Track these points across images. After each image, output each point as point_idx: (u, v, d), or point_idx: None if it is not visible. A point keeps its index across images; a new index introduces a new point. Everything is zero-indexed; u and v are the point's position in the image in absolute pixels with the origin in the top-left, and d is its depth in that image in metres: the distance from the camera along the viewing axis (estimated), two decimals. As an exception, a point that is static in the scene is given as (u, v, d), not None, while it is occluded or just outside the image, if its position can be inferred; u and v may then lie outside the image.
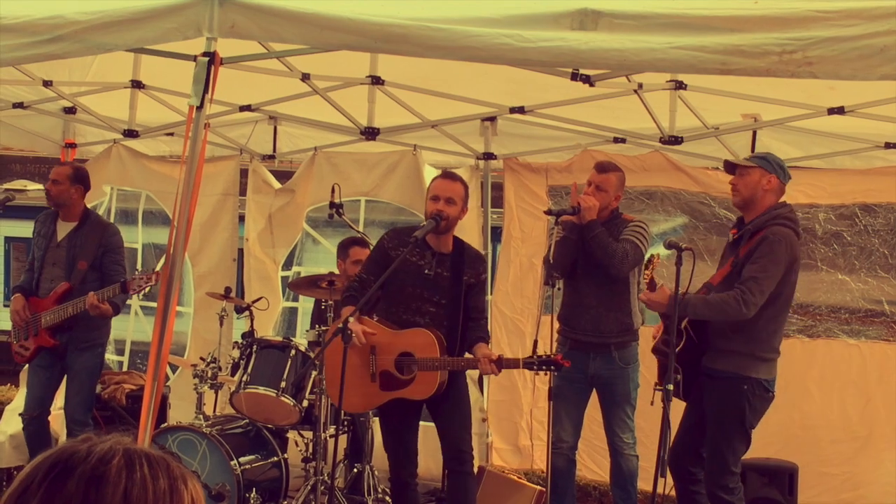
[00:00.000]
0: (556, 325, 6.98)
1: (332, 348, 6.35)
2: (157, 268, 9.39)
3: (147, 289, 7.31)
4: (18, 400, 8.70)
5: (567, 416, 7.01)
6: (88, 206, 7.94)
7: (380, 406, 6.43)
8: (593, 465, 8.27)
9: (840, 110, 7.03)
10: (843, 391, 8.16)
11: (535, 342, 7.11)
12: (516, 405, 8.78)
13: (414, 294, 6.38)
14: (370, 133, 8.33)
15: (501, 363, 6.12)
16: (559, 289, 7.03)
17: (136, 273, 7.28)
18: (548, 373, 6.26)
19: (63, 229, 7.62)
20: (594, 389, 7.02)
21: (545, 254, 6.72)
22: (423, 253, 6.37)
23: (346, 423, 7.55)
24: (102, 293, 7.18)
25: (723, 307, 5.96)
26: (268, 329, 8.96)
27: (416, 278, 6.36)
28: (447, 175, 6.61)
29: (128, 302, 9.83)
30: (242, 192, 9.58)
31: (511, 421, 8.82)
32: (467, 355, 6.36)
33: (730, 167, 6.27)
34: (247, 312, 8.01)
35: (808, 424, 8.17)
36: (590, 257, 6.81)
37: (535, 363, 6.12)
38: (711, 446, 6.19)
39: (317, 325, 7.37)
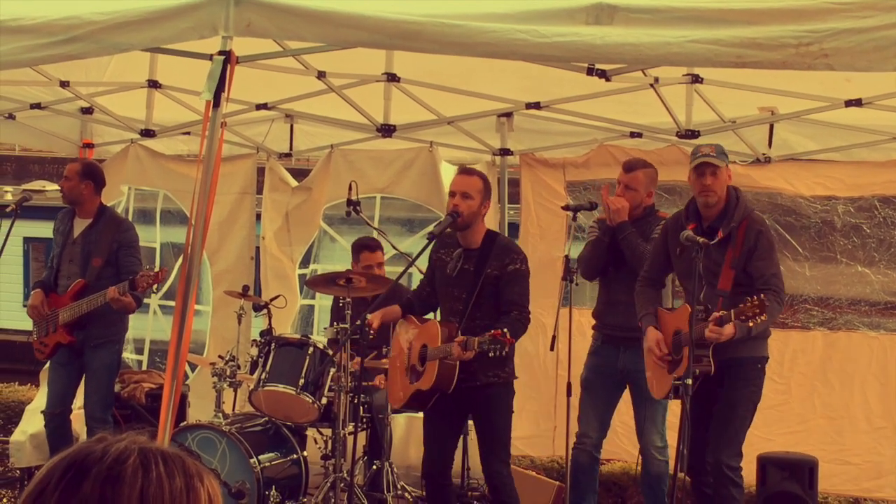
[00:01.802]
0: (576, 318, 7.03)
1: (396, 346, 6.56)
2: (175, 267, 9.44)
3: (154, 286, 7.31)
4: (39, 400, 8.74)
5: (594, 411, 7.05)
6: (107, 205, 7.97)
7: (426, 404, 6.42)
8: (615, 459, 8.27)
9: (857, 102, 7.01)
10: (864, 383, 8.17)
11: (554, 337, 7.13)
12: (538, 396, 8.76)
13: (445, 293, 6.44)
14: (386, 130, 8.34)
15: (466, 344, 5.94)
16: (577, 284, 7.08)
17: (143, 270, 7.28)
18: (497, 354, 6.05)
19: (79, 226, 7.67)
20: (627, 387, 7.04)
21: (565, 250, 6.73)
22: (452, 251, 6.39)
23: (365, 420, 7.56)
24: (121, 287, 7.21)
25: (775, 315, 6.00)
26: (286, 327, 8.97)
27: (446, 277, 6.40)
28: (463, 170, 6.63)
29: (146, 301, 9.90)
30: (259, 190, 9.60)
31: (531, 410, 8.80)
32: None
33: (705, 167, 6.15)
34: (265, 310, 8.02)
35: (830, 415, 8.19)
36: (622, 256, 6.87)
37: (485, 342, 5.86)
38: (727, 429, 6.18)
39: (335, 323, 7.37)
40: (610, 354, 7.02)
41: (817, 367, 8.26)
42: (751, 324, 5.67)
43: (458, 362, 6.11)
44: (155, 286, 7.59)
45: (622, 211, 6.85)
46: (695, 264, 5.68)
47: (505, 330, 5.85)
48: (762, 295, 5.68)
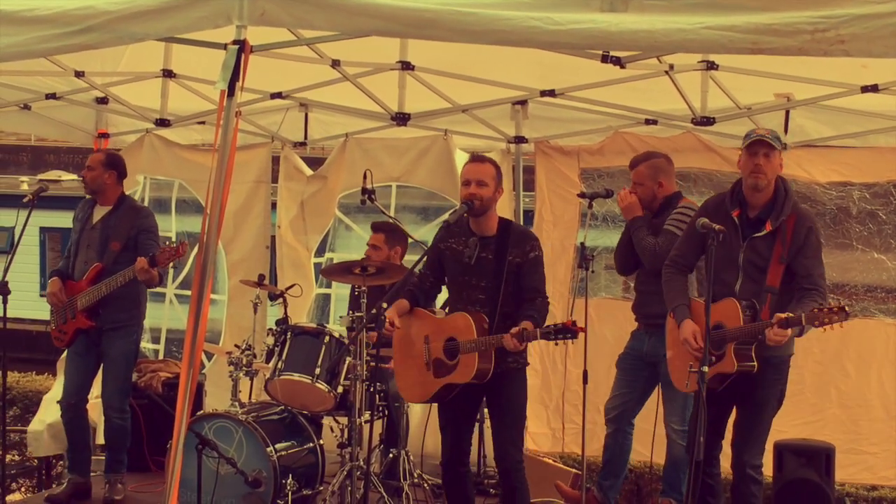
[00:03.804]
0: (588, 308, 7.05)
1: (398, 341, 6.50)
2: (191, 256, 9.46)
3: (175, 260, 7.30)
4: (56, 389, 8.77)
5: (618, 390, 7.23)
6: (127, 194, 7.98)
7: (449, 395, 6.36)
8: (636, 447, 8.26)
9: (874, 88, 6.99)
10: (881, 370, 8.11)
11: (568, 325, 7.14)
12: (547, 389, 8.77)
13: (462, 282, 6.36)
14: (401, 118, 8.34)
15: (522, 336, 6.00)
16: (593, 271, 7.13)
17: (165, 244, 7.29)
18: (565, 342, 6.13)
19: (98, 213, 7.70)
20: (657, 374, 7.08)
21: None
22: (467, 240, 6.36)
23: (381, 408, 7.56)
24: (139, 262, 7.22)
25: None
26: (301, 316, 8.98)
27: (462, 266, 6.34)
28: (475, 158, 6.57)
29: (162, 290, 9.93)
30: (274, 179, 9.61)
31: (542, 405, 8.81)
32: None
33: (760, 145, 5.94)
34: (280, 299, 8.03)
35: (846, 404, 8.14)
36: None
37: (551, 332, 5.97)
38: (755, 428, 6.14)
39: (351, 311, 7.38)
40: (641, 339, 7.14)
41: (832, 355, 8.20)
42: (824, 329, 5.65)
43: (494, 352, 6.12)
44: (172, 265, 7.60)
45: (631, 207, 7.02)
46: (709, 252, 5.64)
47: (574, 320, 5.97)
48: (842, 303, 5.58)
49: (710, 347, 5.81)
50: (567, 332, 5.94)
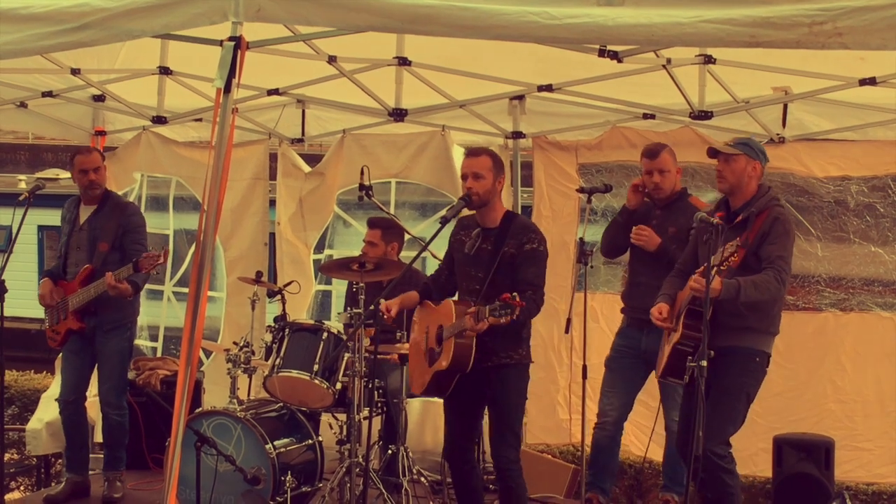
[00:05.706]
0: (590, 302, 7.03)
1: (412, 337, 6.51)
2: (189, 253, 9.45)
3: (157, 266, 7.26)
4: (54, 387, 8.77)
5: (614, 390, 7.15)
6: (119, 192, 7.97)
7: (446, 388, 6.28)
8: (635, 442, 8.24)
9: (871, 81, 7.00)
10: (878, 365, 8.08)
11: (569, 320, 7.14)
12: (553, 381, 8.75)
13: (463, 273, 6.36)
14: (398, 114, 8.35)
15: (477, 315, 5.84)
16: (592, 266, 7.11)
17: (148, 251, 7.28)
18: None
19: (85, 213, 7.68)
20: (652, 371, 7.02)
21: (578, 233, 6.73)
22: (471, 232, 6.36)
23: (379, 404, 7.56)
24: (118, 273, 7.19)
25: (768, 287, 5.91)
26: (301, 312, 8.98)
27: (463, 257, 6.35)
28: (470, 152, 6.51)
29: (160, 288, 9.92)
30: (272, 176, 9.60)
31: (548, 397, 8.78)
32: None
33: (713, 153, 6.18)
34: (279, 296, 8.02)
35: (842, 399, 8.10)
36: None
37: (496, 308, 5.73)
38: (715, 416, 6.06)
39: (349, 308, 7.37)
40: (633, 336, 7.07)
41: (828, 350, 8.18)
42: (724, 267, 5.61)
43: (474, 340, 6.00)
44: (168, 267, 7.59)
45: (650, 240, 6.96)
46: (709, 245, 5.64)
47: (514, 294, 5.72)
48: (738, 243, 5.64)
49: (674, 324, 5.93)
50: (506, 307, 5.70)
